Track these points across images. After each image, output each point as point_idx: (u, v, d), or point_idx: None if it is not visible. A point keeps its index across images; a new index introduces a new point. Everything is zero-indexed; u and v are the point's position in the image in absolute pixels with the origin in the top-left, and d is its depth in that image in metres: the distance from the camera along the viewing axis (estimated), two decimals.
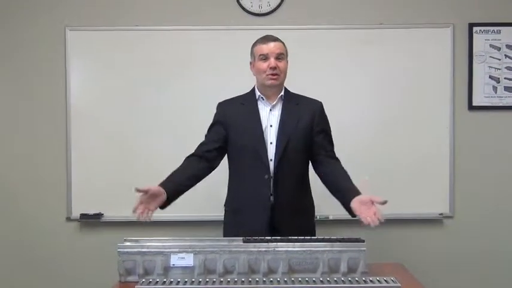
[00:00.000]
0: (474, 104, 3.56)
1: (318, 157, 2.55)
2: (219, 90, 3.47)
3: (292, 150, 2.50)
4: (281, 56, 2.51)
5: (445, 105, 3.53)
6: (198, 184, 3.47)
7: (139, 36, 3.52)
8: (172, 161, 3.46)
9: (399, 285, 2.03)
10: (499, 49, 3.56)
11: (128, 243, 2.22)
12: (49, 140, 3.56)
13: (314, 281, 2.06)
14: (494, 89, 3.56)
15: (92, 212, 3.53)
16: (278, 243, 2.16)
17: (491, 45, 3.55)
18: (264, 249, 2.14)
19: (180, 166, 2.54)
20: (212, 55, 3.51)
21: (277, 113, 2.55)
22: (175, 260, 2.15)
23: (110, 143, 3.53)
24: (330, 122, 2.64)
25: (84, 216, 3.52)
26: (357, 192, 2.32)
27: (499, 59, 3.56)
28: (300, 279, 2.07)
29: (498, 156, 3.58)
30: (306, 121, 2.53)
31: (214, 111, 3.50)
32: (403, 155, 3.52)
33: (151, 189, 2.30)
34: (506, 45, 3.55)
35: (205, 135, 2.67)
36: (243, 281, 2.05)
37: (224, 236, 2.67)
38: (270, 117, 2.55)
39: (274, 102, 2.55)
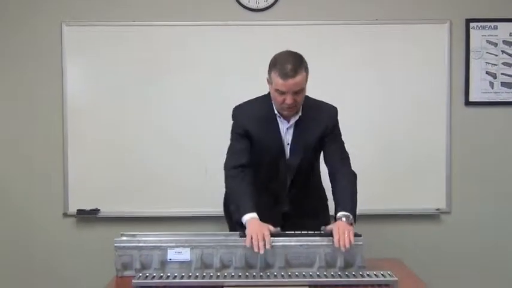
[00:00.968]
0: (471, 99, 3.56)
1: (327, 164, 2.54)
2: (217, 86, 3.50)
3: (306, 165, 2.52)
4: (300, 90, 2.34)
5: (441, 101, 3.53)
6: (194, 180, 3.50)
7: (135, 32, 3.50)
8: (168, 158, 3.50)
9: (396, 279, 2.04)
10: (495, 45, 3.56)
11: (124, 238, 2.22)
12: (45, 136, 3.54)
13: (311, 275, 2.06)
14: (491, 84, 3.56)
15: (88, 207, 3.52)
16: (275, 238, 2.16)
17: (488, 41, 3.55)
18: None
19: (243, 186, 2.41)
20: (209, 51, 3.50)
21: (292, 131, 2.50)
22: (172, 255, 2.15)
23: (106, 139, 3.52)
24: None
25: (80, 212, 3.52)
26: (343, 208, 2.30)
27: (496, 55, 3.56)
28: (296, 273, 2.08)
29: (495, 151, 3.59)
30: (319, 134, 2.48)
31: (211, 107, 3.53)
32: (400, 151, 3.52)
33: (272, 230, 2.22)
34: (503, 41, 3.56)
35: (235, 143, 2.53)
36: (239, 275, 2.06)
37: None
38: (286, 135, 2.50)
39: (291, 123, 2.48)
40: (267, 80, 2.42)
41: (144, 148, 3.51)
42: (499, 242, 3.61)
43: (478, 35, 3.55)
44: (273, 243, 2.14)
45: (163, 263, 2.15)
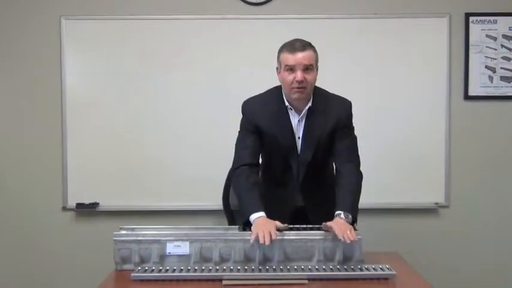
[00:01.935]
0: (470, 93, 3.56)
1: (334, 161, 2.49)
2: (215, 80, 3.49)
3: (318, 159, 2.47)
4: (309, 67, 2.31)
5: (441, 95, 3.53)
6: (194, 173, 3.51)
7: (134, 26, 3.50)
8: (168, 152, 3.50)
9: (394, 273, 2.04)
10: (495, 39, 3.55)
11: (123, 232, 2.22)
12: (45, 130, 3.54)
13: (310, 269, 2.07)
14: (490, 78, 3.56)
15: (87, 201, 3.52)
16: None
17: (487, 35, 3.55)
18: None
19: (250, 184, 2.36)
20: (208, 44, 3.49)
21: (303, 124, 2.44)
22: (171, 248, 2.15)
23: (105, 133, 3.52)
24: None
25: (80, 205, 3.52)
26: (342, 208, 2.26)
27: (495, 49, 3.55)
28: (295, 267, 2.08)
29: (494, 146, 3.59)
30: (330, 128, 2.42)
31: (210, 100, 3.53)
32: (399, 145, 3.52)
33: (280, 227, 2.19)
34: (503, 35, 3.55)
35: (245, 140, 2.46)
36: (238, 269, 2.06)
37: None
38: (298, 129, 2.45)
39: (302, 114, 2.43)
40: (276, 69, 2.41)
41: (143, 142, 3.52)
42: (497, 236, 3.62)
43: (477, 29, 3.54)
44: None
45: (162, 257, 2.15)
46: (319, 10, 3.51)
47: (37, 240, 3.60)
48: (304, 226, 2.26)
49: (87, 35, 3.51)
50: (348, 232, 2.09)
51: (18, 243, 3.61)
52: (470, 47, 3.54)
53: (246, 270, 2.05)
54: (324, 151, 2.46)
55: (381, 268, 2.08)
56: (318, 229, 2.22)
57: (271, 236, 2.07)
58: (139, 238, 2.16)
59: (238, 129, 2.51)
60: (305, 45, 2.32)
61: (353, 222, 2.26)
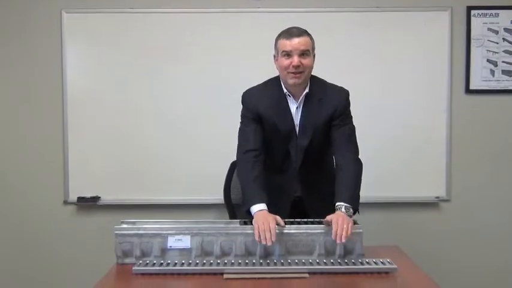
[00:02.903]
0: (471, 87, 3.55)
1: (333, 149, 2.48)
2: (215, 74, 3.49)
3: (316, 147, 2.48)
4: (306, 53, 2.35)
5: (442, 89, 3.53)
6: (194, 168, 3.51)
7: (135, 19, 3.49)
8: (169, 146, 3.50)
9: (395, 266, 2.05)
10: (496, 32, 3.54)
11: (125, 226, 2.22)
12: (46, 124, 3.54)
13: (311, 262, 2.07)
14: (492, 72, 3.55)
15: (89, 195, 3.53)
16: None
17: (489, 29, 3.54)
18: None
19: (254, 175, 2.37)
20: (208, 38, 3.48)
21: (301, 110, 2.46)
22: (173, 242, 2.15)
23: (106, 127, 3.52)
24: None
25: (81, 199, 3.53)
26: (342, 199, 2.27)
27: (497, 43, 3.54)
28: (296, 261, 2.09)
29: (495, 139, 3.58)
30: (328, 116, 2.44)
31: (211, 94, 3.53)
32: (400, 139, 3.52)
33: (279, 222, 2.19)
34: (504, 29, 3.54)
35: (246, 128, 2.48)
36: (239, 263, 2.06)
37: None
38: (296, 116, 2.47)
39: (300, 100, 2.45)
40: (274, 56, 2.45)
41: (145, 136, 3.51)
42: (498, 231, 3.62)
43: (479, 23, 3.53)
44: None
45: (164, 251, 2.15)
46: (321, 3, 3.49)
47: (38, 234, 3.61)
48: (305, 220, 2.27)
49: (89, 28, 3.50)
50: (345, 226, 2.11)
51: (20, 238, 3.61)
52: (472, 41, 3.53)
53: (247, 264, 2.06)
54: (321, 138, 2.48)
55: (381, 262, 2.08)
56: (319, 223, 2.22)
57: (271, 235, 2.10)
58: (140, 232, 2.17)
59: (240, 121, 2.53)
60: (302, 32, 2.38)
61: (354, 212, 2.29)
